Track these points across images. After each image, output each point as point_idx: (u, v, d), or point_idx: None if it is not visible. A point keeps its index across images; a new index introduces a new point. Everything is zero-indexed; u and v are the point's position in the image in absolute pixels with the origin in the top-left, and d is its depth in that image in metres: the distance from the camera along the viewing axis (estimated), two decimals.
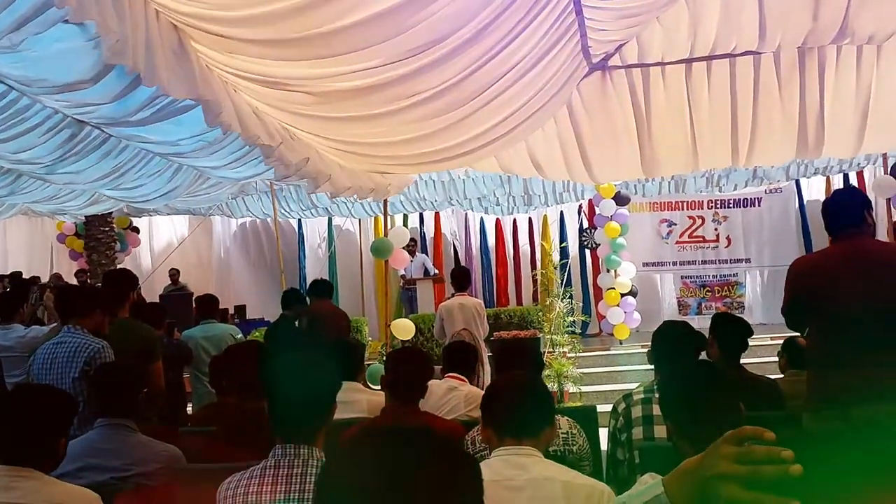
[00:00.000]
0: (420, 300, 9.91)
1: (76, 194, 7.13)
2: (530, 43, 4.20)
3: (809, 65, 5.59)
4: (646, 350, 3.53)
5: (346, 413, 3.61)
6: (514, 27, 3.89)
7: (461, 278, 7.33)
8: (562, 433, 2.86)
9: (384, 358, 6.07)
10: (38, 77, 3.49)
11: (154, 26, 2.96)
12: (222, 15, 3.06)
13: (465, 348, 4.51)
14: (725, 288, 11.51)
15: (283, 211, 11.01)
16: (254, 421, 3.01)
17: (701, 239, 11.57)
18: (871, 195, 7.08)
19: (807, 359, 3.48)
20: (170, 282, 11.38)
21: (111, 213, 9.90)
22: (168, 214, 11.48)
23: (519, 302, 12.11)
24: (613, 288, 10.00)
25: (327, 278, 9.68)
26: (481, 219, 12.76)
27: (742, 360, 3.59)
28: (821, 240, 8.80)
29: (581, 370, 8.66)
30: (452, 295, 7.45)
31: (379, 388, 3.62)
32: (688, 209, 11.56)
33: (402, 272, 10.59)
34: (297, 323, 6.02)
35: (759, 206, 11.55)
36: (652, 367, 3.22)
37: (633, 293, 10.06)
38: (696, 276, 11.55)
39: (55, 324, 5.12)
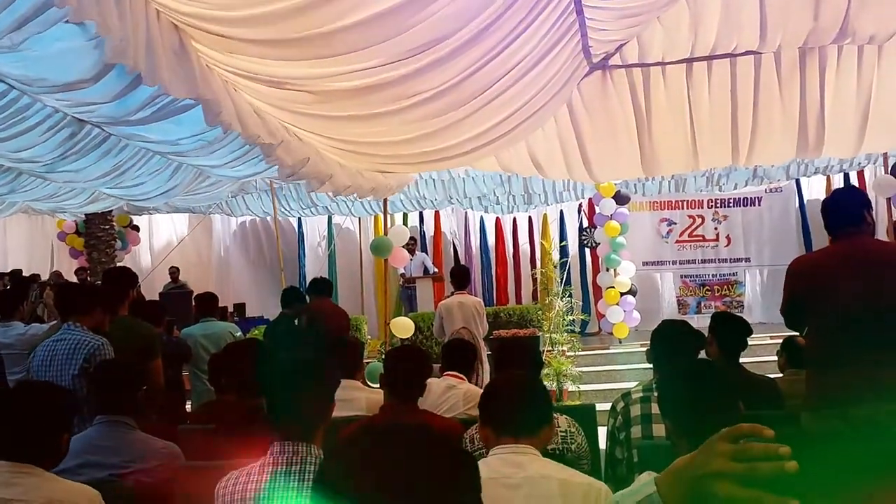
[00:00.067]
0: (419, 299, 9.92)
1: (76, 192, 7.13)
2: (531, 43, 4.20)
3: (810, 64, 5.58)
4: (645, 349, 3.53)
5: (345, 411, 3.63)
6: (514, 27, 3.88)
7: (461, 277, 7.33)
8: (560, 432, 2.86)
9: (383, 356, 6.07)
10: (38, 76, 3.49)
11: (155, 26, 2.97)
12: (223, 15, 3.06)
13: (464, 347, 4.51)
14: (725, 287, 11.51)
15: (282, 209, 11.02)
16: (253, 418, 3.03)
17: (701, 238, 11.57)
18: (871, 195, 7.08)
19: (806, 358, 3.48)
20: (169, 280, 11.39)
21: (111, 211, 9.91)
22: (168, 213, 11.50)
23: (518, 301, 12.12)
24: (613, 287, 10.01)
25: (327, 277, 9.68)
26: (481, 217, 12.75)
27: (741, 360, 3.60)
28: (821, 239, 8.79)
29: (580, 369, 8.67)
30: (452, 293, 7.46)
31: (378, 386, 3.63)
32: (688, 208, 11.56)
33: (402, 271, 10.61)
34: (296, 321, 6.01)
35: (759, 205, 11.55)
36: (651, 365, 3.22)
37: (632, 292, 10.06)
38: (696, 275, 11.55)
39: (55, 321, 5.13)
